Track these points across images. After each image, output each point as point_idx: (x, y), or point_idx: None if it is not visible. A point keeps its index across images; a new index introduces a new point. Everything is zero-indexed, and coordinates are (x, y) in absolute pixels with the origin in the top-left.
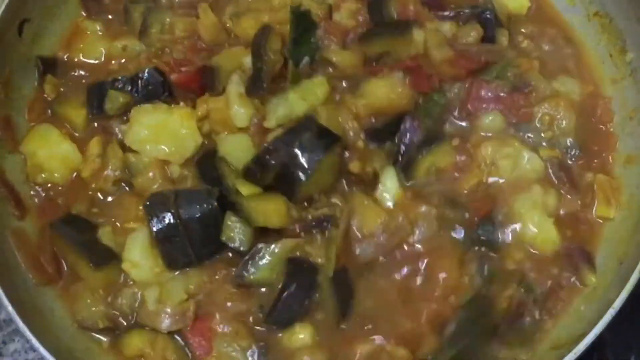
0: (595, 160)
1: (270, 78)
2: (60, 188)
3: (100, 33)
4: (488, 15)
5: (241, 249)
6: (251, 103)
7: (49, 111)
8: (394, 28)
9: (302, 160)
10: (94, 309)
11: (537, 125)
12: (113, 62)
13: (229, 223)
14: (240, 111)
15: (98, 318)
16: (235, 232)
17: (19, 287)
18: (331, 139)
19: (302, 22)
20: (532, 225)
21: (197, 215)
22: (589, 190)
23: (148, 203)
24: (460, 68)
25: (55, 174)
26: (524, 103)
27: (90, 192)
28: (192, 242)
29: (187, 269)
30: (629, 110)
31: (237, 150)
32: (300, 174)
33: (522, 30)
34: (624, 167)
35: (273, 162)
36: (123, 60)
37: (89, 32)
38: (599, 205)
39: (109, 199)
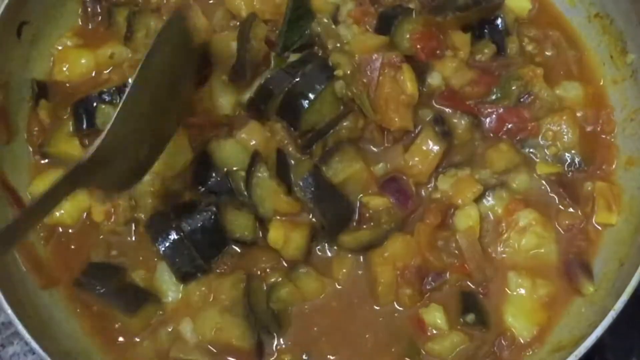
0: (598, 172)
1: (253, 65)
2: (70, 231)
3: (81, 46)
4: (499, 21)
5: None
6: (234, 90)
7: (44, 160)
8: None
9: (305, 88)
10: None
11: (541, 142)
12: (104, 72)
13: (232, 219)
14: (224, 99)
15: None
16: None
17: (18, 289)
18: (333, 70)
19: (302, 6)
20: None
21: (199, 225)
22: (589, 199)
23: (149, 225)
24: (483, 85)
25: (65, 215)
26: (529, 116)
27: (102, 236)
28: (198, 250)
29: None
30: (630, 112)
31: (233, 153)
32: (304, 101)
33: (526, 34)
34: (625, 169)
35: (276, 90)
36: (111, 69)
37: (70, 44)
38: (600, 212)
39: (125, 238)
